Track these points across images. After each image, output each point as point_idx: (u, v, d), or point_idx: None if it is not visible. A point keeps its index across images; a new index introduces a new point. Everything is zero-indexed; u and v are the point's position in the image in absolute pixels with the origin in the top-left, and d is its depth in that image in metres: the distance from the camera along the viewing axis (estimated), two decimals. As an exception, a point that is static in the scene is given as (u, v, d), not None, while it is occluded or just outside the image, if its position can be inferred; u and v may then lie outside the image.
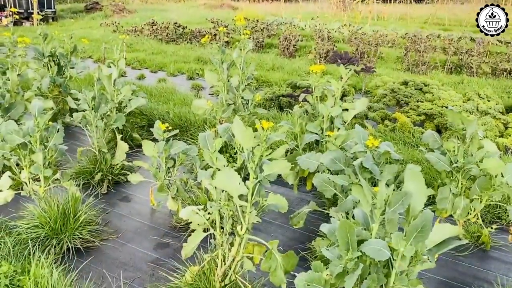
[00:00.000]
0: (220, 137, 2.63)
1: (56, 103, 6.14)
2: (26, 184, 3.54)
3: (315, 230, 3.63)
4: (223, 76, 4.70)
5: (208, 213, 2.61)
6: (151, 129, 5.78)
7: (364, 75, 8.20)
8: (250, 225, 2.44)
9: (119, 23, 15.99)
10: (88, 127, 4.41)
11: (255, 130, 2.30)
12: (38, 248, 3.11)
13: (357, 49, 11.83)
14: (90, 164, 4.37)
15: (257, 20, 15.22)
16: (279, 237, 3.57)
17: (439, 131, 6.09)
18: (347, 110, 4.02)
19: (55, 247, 3.19)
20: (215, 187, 2.48)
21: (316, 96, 3.99)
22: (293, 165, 3.80)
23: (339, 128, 3.94)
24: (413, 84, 7.47)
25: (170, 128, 3.63)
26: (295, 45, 12.30)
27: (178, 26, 14.67)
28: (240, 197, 2.31)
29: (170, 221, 3.71)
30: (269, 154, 2.29)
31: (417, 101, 6.73)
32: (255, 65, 10.43)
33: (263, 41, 13.06)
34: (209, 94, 8.02)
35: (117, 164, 4.46)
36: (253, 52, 12.20)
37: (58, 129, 3.45)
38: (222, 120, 4.73)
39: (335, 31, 15.23)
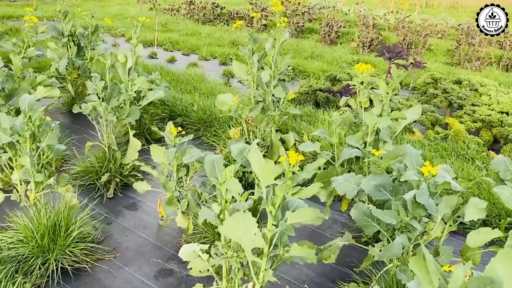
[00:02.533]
0: (232, 161, 2.04)
1: (74, 87, 5.71)
2: (16, 187, 3.07)
3: (349, 265, 3.03)
4: (253, 69, 4.10)
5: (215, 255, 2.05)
6: (172, 120, 5.30)
7: (413, 70, 7.40)
8: (265, 283, 1.86)
9: (156, 1, 15.50)
10: (99, 119, 3.92)
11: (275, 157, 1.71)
12: (20, 268, 2.65)
13: (404, 39, 10.92)
14: (97, 163, 3.89)
15: (299, 3, 14.40)
16: (304, 270, 2.98)
17: (496, 141, 5.31)
18: (396, 119, 3.35)
19: (39, 267, 2.72)
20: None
21: (360, 102, 3.33)
22: (326, 182, 3.19)
23: (385, 141, 3.29)
24: (468, 84, 6.65)
25: (183, 132, 3.07)
26: (337, 32, 11.48)
27: (216, 6, 14.04)
28: (255, 249, 1.74)
29: (178, 240, 3.19)
30: (296, 193, 1.69)
31: (473, 105, 5.93)
32: (293, 52, 9.79)
33: (303, 25, 12.28)
34: (239, 81, 7.42)
35: (128, 164, 3.96)
36: (292, 37, 11.48)
37: (53, 127, 2.94)
38: (249, 120, 4.14)
39: (381, 18, 14.25)
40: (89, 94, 3.82)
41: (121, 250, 3.06)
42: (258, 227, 1.74)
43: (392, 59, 6.47)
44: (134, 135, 4.75)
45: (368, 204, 2.59)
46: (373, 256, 2.72)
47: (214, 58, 9.42)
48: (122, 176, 3.88)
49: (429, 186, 2.46)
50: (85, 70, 5.51)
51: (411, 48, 10.68)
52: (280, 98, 4.13)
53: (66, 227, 2.87)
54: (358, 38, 10.74)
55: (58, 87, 5.77)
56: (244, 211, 1.64)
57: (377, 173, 2.66)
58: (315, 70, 8.07)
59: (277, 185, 1.66)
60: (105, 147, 3.95)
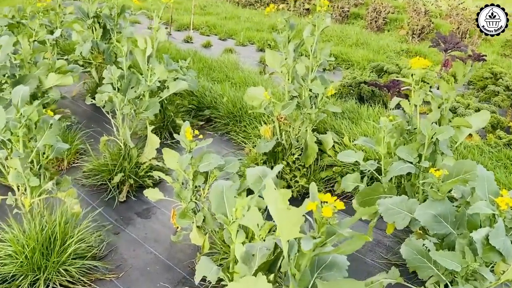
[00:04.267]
0: (247, 192, 1.56)
1: (99, 72, 5.35)
2: (13, 190, 2.70)
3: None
4: (288, 59, 3.58)
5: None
6: (200, 113, 4.86)
7: (470, 63, 6.63)
8: None
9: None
10: (117, 111, 3.51)
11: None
12: (5, 289, 2.29)
13: (458, 28, 10.03)
14: (111, 160, 3.49)
15: (344, -14, 13.60)
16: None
17: None
18: (458, 127, 2.77)
19: (28, 289, 2.35)
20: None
21: (415, 105, 2.76)
22: (369, 201, 2.67)
23: (443, 153, 2.71)
24: (535, 80, 5.86)
25: (200, 136, 2.60)
26: (385, 18, 10.69)
27: (257, -12, 13.46)
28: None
29: (192, 259, 2.75)
30: (330, 252, 1.19)
31: (541, 105, 5.19)
32: (336, 39, 9.13)
33: (348, 10, 11.53)
34: (271, 74, 6.89)
35: (145, 163, 3.55)
36: (335, 23, 10.78)
37: (51, 124, 2.53)
38: (281, 118, 3.63)
39: (432, 4, 13.25)
40: (103, 83, 3.41)
41: (125, 268, 2.65)
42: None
43: (448, 51, 5.77)
44: (156, 128, 4.37)
45: (424, 238, 2.06)
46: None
47: (251, 44, 8.91)
48: (137, 176, 3.47)
49: (505, 222, 1.91)
50: (110, 55, 5.12)
51: (465, 38, 9.79)
52: (318, 94, 3.60)
53: (62, 240, 2.48)
54: (408, 25, 9.94)
55: (84, 72, 5.52)
56: (257, 272, 1.16)
57: (436, 199, 2.12)
58: (360, 59, 7.42)
59: (303, 238, 1.17)
60: (121, 143, 3.55)
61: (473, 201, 2.05)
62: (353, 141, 3.56)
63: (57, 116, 2.75)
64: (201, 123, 4.77)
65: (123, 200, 3.32)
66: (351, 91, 5.61)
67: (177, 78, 4.11)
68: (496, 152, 4.15)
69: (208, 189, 2.80)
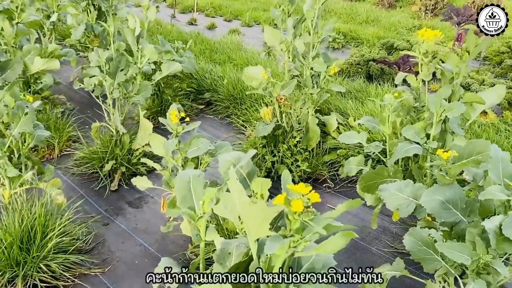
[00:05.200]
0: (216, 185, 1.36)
1: (96, 56, 5.16)
2: (-6, 180, 2.56)
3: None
4: (287, 36, 3.35)
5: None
6: (200, 96, 4.66)
7: (485, 37, 6.29)
8: None
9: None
10: (108, 96, 3.34)
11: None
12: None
13: (473, 1, 9.59)
14: (102, 147, 3.33)
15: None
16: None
17: None
18: (470, 103, 2.52)
19: (5, 286, 2.20)
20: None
21: (422, 80, 2.52)
22: (373, 186, 2.46)
23: (453, 133, 2.48)
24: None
25: (187, 119, 2.41)
26: (397, -6, 10.31)
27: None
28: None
29: (185, 250, 2.58)
30: (309, 250, 0.99)
31: None
32: (345, 17, 8.81)
33: (358, -12, 11.14)
34: (267, 52, 6.62)
35: (138, 150, 3.38)
36: (345, 1, 10.42)
37: (27, 111, 2.36)
38: (281, 98, 3.42)
39: (447, -22, 12.76)
40: (89, 66, 3.23)
41: (112, 262, 2.48)
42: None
43: (462, 24, 5.45)
44: (153, 113, 4.20)
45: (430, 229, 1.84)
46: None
47: (257, 24, 8.65)
48: (130, 164, 3.30)
49: (522, 210, 1.68)
50: (105, 38, 4.93)
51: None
52: (320, 73, 3.37)
53: (42, 234, 2.32)
54: (420, 0, 9.54)
55: (82, 57, 5.36)
56: (231, 273, 0.98)
57: (445, 183, 1.89)
58: (370, 37, 7.12)
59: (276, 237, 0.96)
60: (113, 129, 3.38)
61: (486, 185, 1.83)
62: (356, 123, 3.33)
63: (36, 103, 2.59)
64: (201, 106, 4.58)
65: (114, 189, 3.16)
66: (359, 69, 5.35)
67: (173, 59, 3.92)
68: (513, 131, 3.89)
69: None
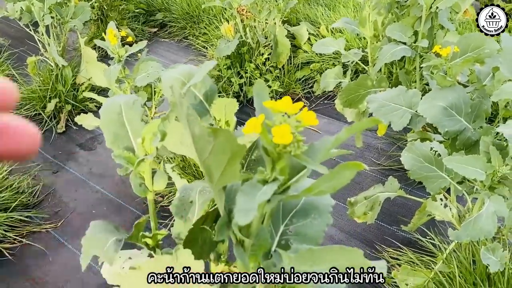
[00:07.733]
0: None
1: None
2: None
3: (396, 220, 2.08)
4: None
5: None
6: (151, 18, 4.16)
7: None
8: None
9: None
10: (39, 23, 2.83)
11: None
12: None
13: None
14: (42, 85, 2.88)
15: None
16: (330, 232, 2.06)
17: None
18: (461, -7, 2.17)
19: None
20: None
21: (408, -32, 2.13)
22: (355, 99, 2.15)
23: (443, 27, 2.15)
24: None
25: (132, 39, 1.99)
26: None
27: None
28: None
29: (148, 193, 2.26)
30: (291, 196, 0.66)
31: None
32: None
33: None
34: None
35: (83, 84, 2.94)
36: None
37: None
38: (242, 10, 2.98)
39: None
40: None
41: (65, 214, 2.16)
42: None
43: None
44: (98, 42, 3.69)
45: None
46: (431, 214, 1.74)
47: None
48: (76, 101, 2.88)
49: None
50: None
51: None
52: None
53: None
54: None
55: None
56: (196, 229, 0.66)
57: (445, 85, 1.58)
58: None
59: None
60: (52, 62, 2.91)
61: (496, 83, 1.53)
62: (331, 27, 2.96)
63: None
64: (154, 29, 4.07)
65: (62, 131, 2.76)
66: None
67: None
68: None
69: (156, 107, 2.25)
